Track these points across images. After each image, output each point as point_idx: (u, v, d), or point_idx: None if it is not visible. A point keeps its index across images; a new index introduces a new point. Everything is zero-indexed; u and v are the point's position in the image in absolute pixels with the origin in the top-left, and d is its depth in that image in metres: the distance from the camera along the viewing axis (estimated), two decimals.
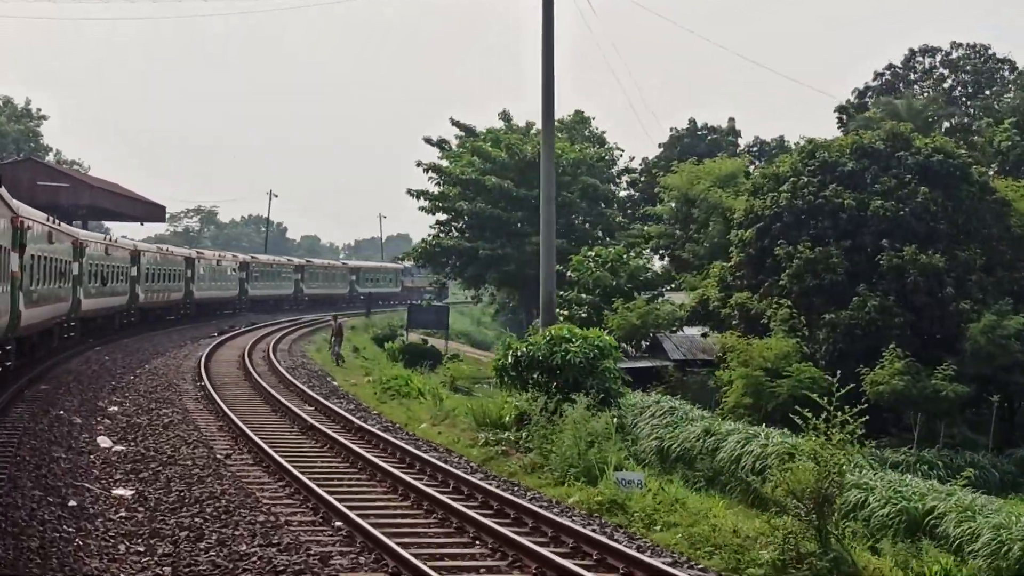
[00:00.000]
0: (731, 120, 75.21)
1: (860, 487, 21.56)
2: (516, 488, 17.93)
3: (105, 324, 47.83)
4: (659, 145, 74.68)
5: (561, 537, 14.02)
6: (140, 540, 14.16)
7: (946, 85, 67.41)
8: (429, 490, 16.47)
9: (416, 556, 12.77)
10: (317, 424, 23.62)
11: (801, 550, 13.57)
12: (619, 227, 63.55)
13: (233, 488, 17.09)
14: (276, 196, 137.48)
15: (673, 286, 51.61)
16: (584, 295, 45.45)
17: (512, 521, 15.06)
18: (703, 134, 73.45)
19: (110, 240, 49.19)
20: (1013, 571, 17.26)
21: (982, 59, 67.58)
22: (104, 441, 21.77)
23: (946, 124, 57.23)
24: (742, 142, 74.37)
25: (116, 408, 26.44)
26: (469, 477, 17.78)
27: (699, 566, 13.77)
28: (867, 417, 15.52)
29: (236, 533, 14.27)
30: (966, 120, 60.58)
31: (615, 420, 21.28)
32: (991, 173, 42.54)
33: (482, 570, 13.01)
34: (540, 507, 15.80)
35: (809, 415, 14.72)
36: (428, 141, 66.66)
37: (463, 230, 61.86)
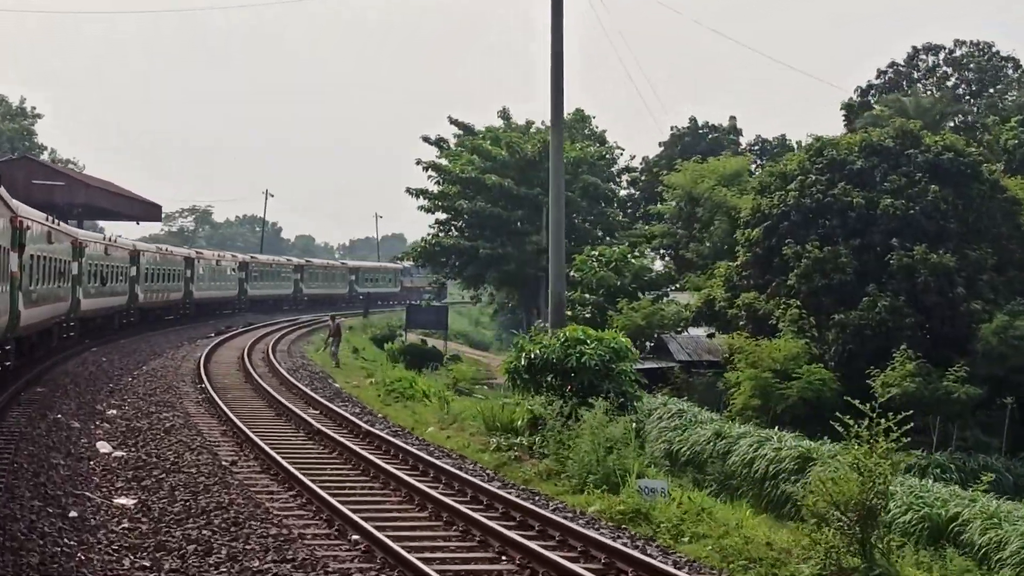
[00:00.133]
0: (732, 118, 74.77)
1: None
2: (537, 498, 17.19)
3: (105, 324, 47.57)
4: (659, 144, 74.23)
5: (591, 552, 13.31)
6: (145, 554, 13.45)
7: (949, 83, 66.85)
8: (447, 500, 15.77)
9: (441, 574, 12.08)
10: (323, 428, 22.91)
11: (844, 565, 12.91)
12: (620, 226, 63.01)
13: (241, 498, 16.38)
14: (272, 196, 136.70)
15: (677, 286, 51.08)
16: (588, 295, 44.85)
17: (537, 534, 14.36)
18: (704, 132, 72.89)
19: (109, 240, 48.70)
20: None
21: (986, 57, 67.04)
22: (104, 446, 21.07)
23: (949, 124, 56.67)
24: (743, 140, 73.81)
25: (115, 412, 25.75)
26: (487, 486, 17.06)
27: None
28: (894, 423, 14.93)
29: (247, 547, 13.55)
30: (969, 118, 60.04)
31: (633, 425, 20.54)
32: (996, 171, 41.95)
33: None
34: (565, 518, 15.09)
35: (851, 422, 14.01)
36: (426, 140, 66.14)
37: (463, 229, 61.30)
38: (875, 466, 13.12)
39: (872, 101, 63.49)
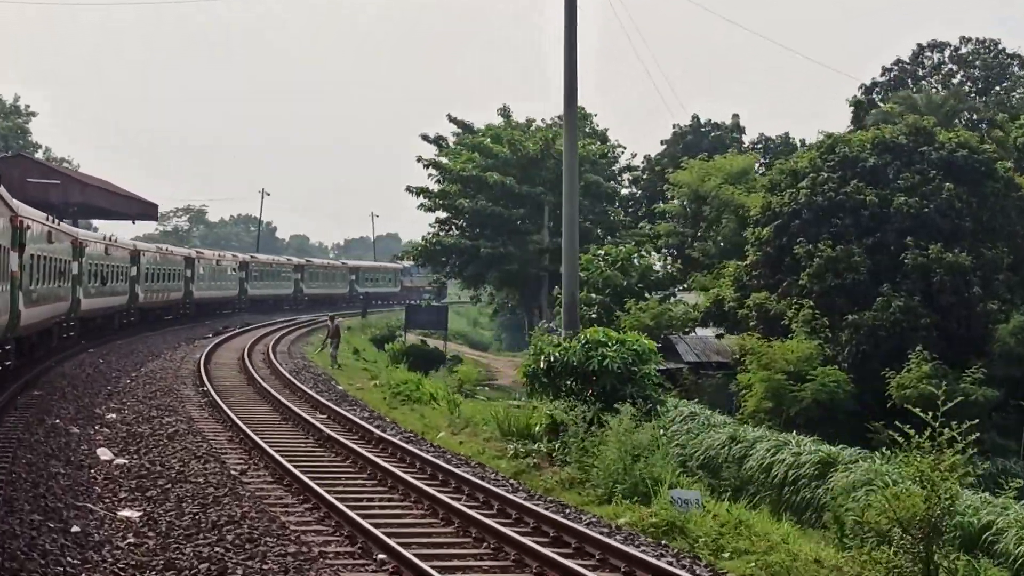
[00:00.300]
0: (735, 116, 73.99)
1: None
2: (568, 510, 16.28)
3: (105, 324, 47.18)
4: (661, 142, 73.44)
5: (637, 573, 12.41)
6: (154, 574, 12.57)
7: (955, 80, 66.13)
8: (473, 513, 14.88)
9: None
10: (334, 435, 22.02)
11: None
12: (622, 225, 62.23)
13: (254, 511, 15.46)
14: (268, 195, 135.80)
15: (684, 286, 50.28)
16: (594, 295, 43.99)
17: (575, 551, 13.47)
18: (706, 130, 72.10)
19: (110, 240, 48.14)
20: None
21: (991, 54, 66.35)
22: (104, 453, 20.18)
23: (959, 121, 55.93)
24: (746, 139, 73.04)
25: (114, 416, 24.88)
26: (514, 497, 16.15)
27: None
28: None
29: (265, 567, 12.61)
30: (975, 117, 59.32)
31: (661, 432, 19.67)
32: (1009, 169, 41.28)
33: None
34: (601, 533, 14.20)
35: (911, 432, 13.16)
36: (426, 138, 65.34)
37: (463, 228, 60.47)
38: (941, 480, 12.28)
39: (877, 99, 62.76)
